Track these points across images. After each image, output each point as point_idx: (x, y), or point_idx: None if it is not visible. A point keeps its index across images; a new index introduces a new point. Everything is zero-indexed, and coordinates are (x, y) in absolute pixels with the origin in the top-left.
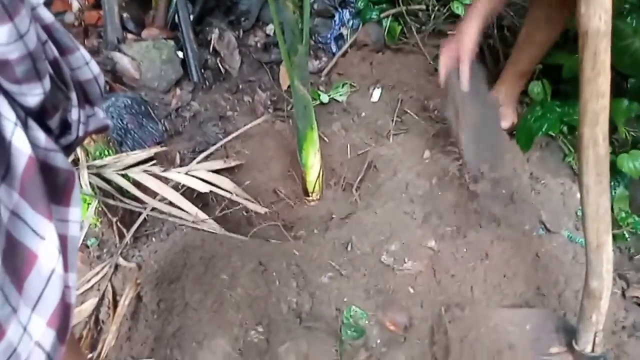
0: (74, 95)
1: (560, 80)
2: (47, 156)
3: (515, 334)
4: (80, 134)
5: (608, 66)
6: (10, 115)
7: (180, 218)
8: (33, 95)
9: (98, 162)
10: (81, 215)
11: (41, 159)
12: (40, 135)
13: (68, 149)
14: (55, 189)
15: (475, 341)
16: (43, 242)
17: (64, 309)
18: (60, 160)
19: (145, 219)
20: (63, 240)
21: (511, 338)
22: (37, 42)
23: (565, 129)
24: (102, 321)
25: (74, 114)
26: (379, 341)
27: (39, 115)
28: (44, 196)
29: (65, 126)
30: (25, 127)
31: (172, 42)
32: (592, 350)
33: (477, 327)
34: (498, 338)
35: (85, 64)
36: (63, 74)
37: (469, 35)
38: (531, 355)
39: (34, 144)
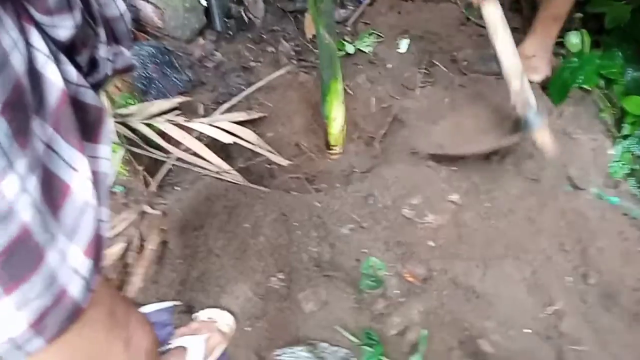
0: (102, 32)
1: (601, 31)
2: (78, 92)
3: None
4: (108, 72)
5: None
6: (42, 47)
7: (204, 168)
8: (64, 27)
9: (123, 111)
10: (111, 153)
11: (72, 94)
12: (72, 70)
13: (96, 88)
14: (85, 125)
15: None
16: (76, 174)
17: (98, 240)
18: (90, 97)
19: (170, 168)
20: (94, 175)
21: None
22: None
23: (602, 82)
24: (130, 265)
25: (102, 51)
26: (397, 291)
27: (69, 51)
28: (75, 130)
29: (93, 64)
30: (57, 61)
31: None
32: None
33: None
34: None
35: (113, 1)
36: (91, 8)
37: None
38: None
39: (65, 79)
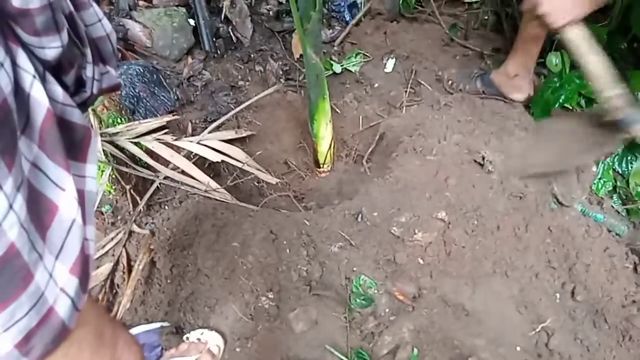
0: (88, 52)
1: None
2: (65, 111)
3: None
4: (95, 91)
5: None
6: (28, 67)
7: (192, 187)
8: (51, 48)
9: (111, 130)
10: (97, 172)
11: (59, 113)
12: (58, 90)
13: (82, 107)
14: (72, 144)
15: None
16: (63, 193)
17: (84, 260)
18: (77, 116)
19: (158, 187)
20: (81, 194)
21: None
22: None
23: (582, 101)
24: (117, 285)
25: (89, 71)
26: (387, 310)
27: (56, 71)
28: (62, 149)
29: (80, 83)
30: (44, 81)
31: (183, 10)
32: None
33: None
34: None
35: (98, 21)
36: (78, 29)
37: None
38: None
39: (51, 98)
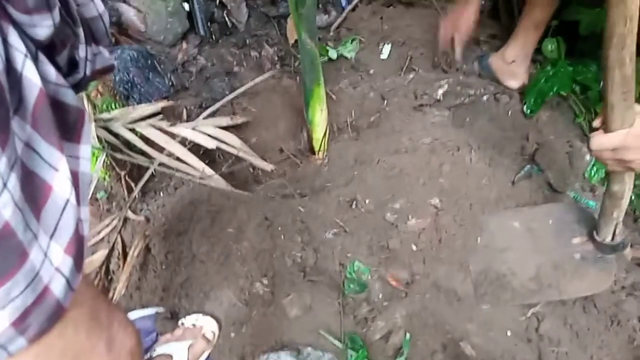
0: (81, 32)
1: (577, 38)
2: (58, 92)
3: (538, 230)
4: (88, 72)
5: None
6: (20, 46)
7: (187, 173)
8: (43, 26)
9: (105, 115)
10: (91, 152)
11: (51, 94)
12: (51, 70)
13: (76, 88)
14: (66, 125)
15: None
16: (57, 174)
17: (79, 240)
18: (70, 97)
19: (153, 173)
20: (74, 175)
21: (535, 234)
22: None
23: (577, 88)
24: (113, 271)
25: (82, 51)
26: (380, 296)
27: (48, 51)
28: (55, 129)
29: (73, 64)
30: (36, 60)
31: None
32: (612, 239)
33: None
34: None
35: (91, 1)
36: (70, 8)
37: (465, 20)
38: (555, 247)
39: (44, 78)
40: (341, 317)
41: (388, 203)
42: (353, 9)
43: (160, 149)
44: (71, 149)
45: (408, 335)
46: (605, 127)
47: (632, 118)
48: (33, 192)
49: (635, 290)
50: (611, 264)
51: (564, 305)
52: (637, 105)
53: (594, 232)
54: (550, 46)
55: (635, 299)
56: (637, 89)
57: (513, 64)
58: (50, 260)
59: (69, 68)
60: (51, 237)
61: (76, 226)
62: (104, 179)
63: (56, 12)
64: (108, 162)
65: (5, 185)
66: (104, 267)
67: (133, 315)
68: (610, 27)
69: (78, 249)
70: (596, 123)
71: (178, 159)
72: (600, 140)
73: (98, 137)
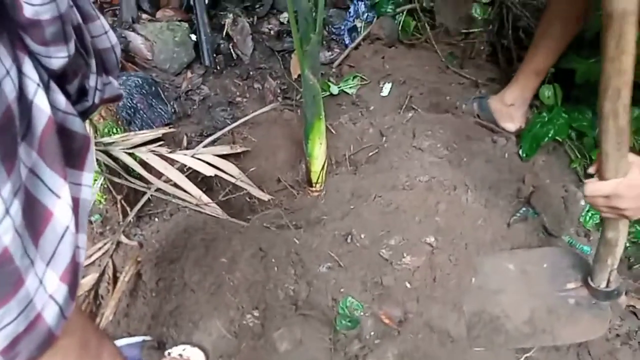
0: (93, 62)
1: (573, 86)
2: (66, 119)
3: (533, 273)
4: (96, 100)
5: (633, 45)
6: (33, 76)
7: (184, 200)
8: (58, 57)
9: (106, 140)
10: (92, 180)
11: (60, 121)
12: (61, 98)
13: (83, 116)
14: (71, 152)
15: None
16: (59, 201)
17: (75, 267)
18: (77, 125)
19: (149, 198)
20: (75, 202)
21: (530, 277)
22: (67, 5)
23: (573, 134)
24: (102, 296)
25: (92, 81)
26: (372, 333)
27: (60, 80)
28: (60, 157)
29: (83, 92)
30: (47, 89)
31: (186, 25)
32: (607, 286)
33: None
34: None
35: (105, 33)
36: (84, 40)
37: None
38: (549, 292)
39: (53, 106)
40: (332, 354)
41: (383, 239)
42: (356, 47)
43: (159, 175)
44: (74, 175)
45: None
46: (600, 175)
47: (626, 167)
48: (34, 218)
49: (630, 339)
50: (606, 310)
51: (558, 351)
52: (632, 155)
53: (589, 278)
54: (547, 92)
55: (630, 349)
56: (632, 138)
57: (511, 107)
58: (45, 287)
59: (78, 96)
60: (48, 264)
61: (73, 254)
62: (100, 202)
63: (72, 44)
64: (105, 186)
65: (7, 211)
66: (92, 292)
67: (119, 342)
68: (605, 80)
69: (74, 276)
70: (591, 170)
71: (175, 185)
72: (594, 187)
73: (97, 160)
